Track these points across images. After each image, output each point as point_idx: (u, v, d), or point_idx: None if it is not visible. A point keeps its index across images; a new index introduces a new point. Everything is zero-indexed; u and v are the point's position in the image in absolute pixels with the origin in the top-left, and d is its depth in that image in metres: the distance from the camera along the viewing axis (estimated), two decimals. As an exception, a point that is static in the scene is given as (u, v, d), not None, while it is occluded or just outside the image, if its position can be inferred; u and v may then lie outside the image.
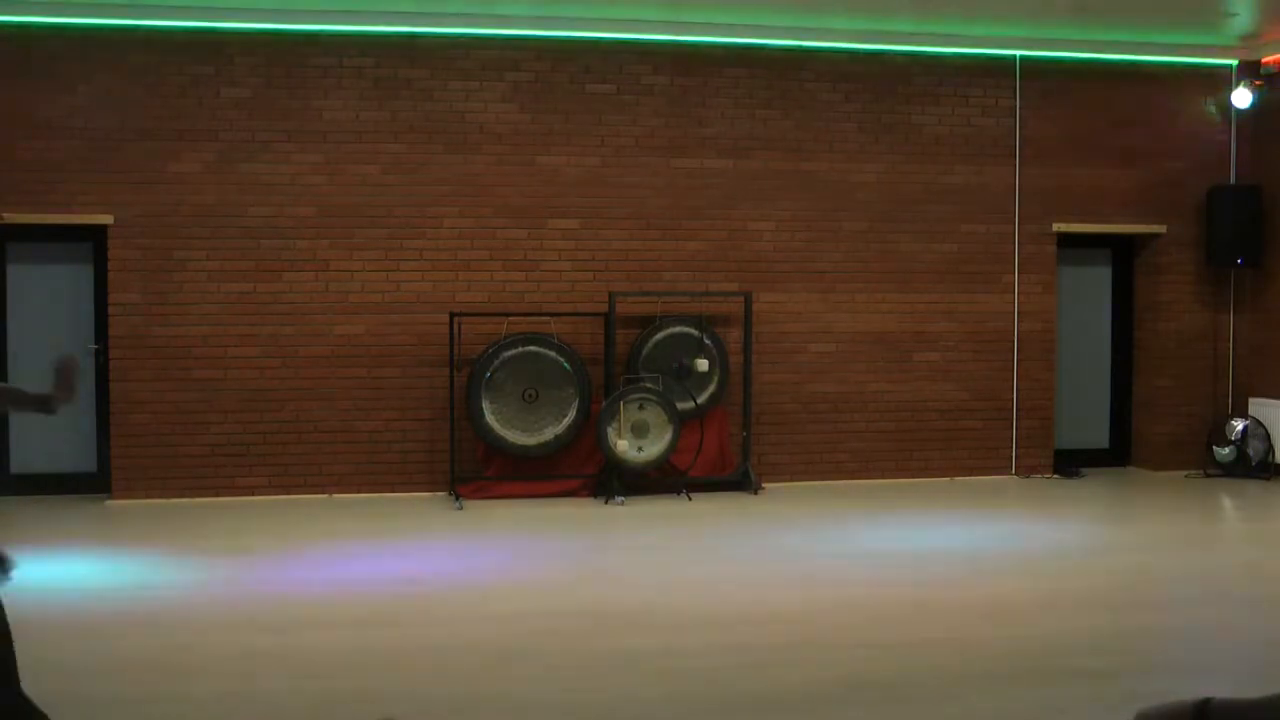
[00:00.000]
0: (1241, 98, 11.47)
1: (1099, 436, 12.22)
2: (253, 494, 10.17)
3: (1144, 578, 7.67)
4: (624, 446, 10.12)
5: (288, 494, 10.22)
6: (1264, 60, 11.45)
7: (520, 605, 6.83)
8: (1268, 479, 11.19)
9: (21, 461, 10.27)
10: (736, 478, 10.60)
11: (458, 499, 9.93)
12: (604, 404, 10.17)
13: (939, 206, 11.22)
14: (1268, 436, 11.35)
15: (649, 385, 10.27)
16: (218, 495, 10.08)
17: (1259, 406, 11.50)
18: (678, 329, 10.52)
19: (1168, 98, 11.64)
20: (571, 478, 10.34)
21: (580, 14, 10.31)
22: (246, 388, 10.15)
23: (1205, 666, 5.83)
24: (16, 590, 6.85)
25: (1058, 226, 11.45)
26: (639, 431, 10.27)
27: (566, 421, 10.28)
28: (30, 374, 10.21)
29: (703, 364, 10.47)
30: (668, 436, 10.26)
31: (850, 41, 10.92)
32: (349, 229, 10.30)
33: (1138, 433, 12.07)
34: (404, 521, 9.34)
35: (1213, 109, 11.66)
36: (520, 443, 10.24)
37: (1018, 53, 11.27)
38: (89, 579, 7.50)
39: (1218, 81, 11.64)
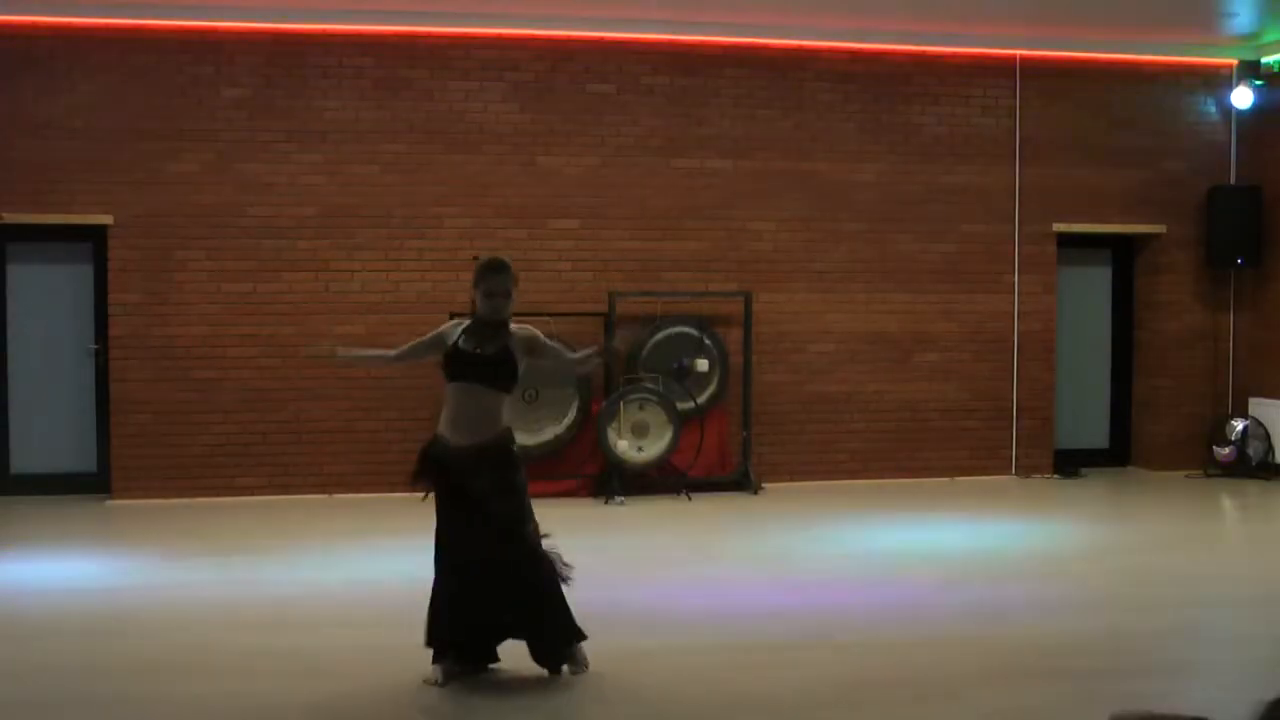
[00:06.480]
0: (1241, 98, 11.46)
1: (1099, 436, 12.21)
2: (253, 494, 10.17)
3: (1143, 578, 7.66)
4: (624, 446, 10.13)
5: (288, 494, 10.22)
6: (1264, 60, 11.44)
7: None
8: (1268, 479, 11.19)
9: (21, 461, 10.26)
10: (736, 478, 10.60)
11: (458, 499, 9.92)
12: (604, 404, 10.17)
13: (939, 206, 11.21)
14: (1268, 436, 11.35)
15: (649, 385, 10.28)
16: (218, 495, 10.07)
17: (1259, 406, 11.50)
18: (678, 329, 10.52)
19: (1168, 98, 11.64)
20: (571, 478, 10.33)
21: (580, 14, 10.31)
22: (246, 388, 10.15)
23: (1204, 667, 5.83)
24: (17, 590, 6.82)
25: (1058, 227, 11.44)
26: (639, 431, 10.27)
27: (566, 421, 10.28)
28: (30, 374, 10.24)
29: (703, 364, 10.47)
30: (668, 436, 10.26)
31: (850, 41, 10.92)
32: (349, 229, 10.30)
33: (1138, 433, 12.07)
34: (404, 521, 9.32)
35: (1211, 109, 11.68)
36: (520, 443, 10.21)
37: (1018, 53, 11.27)
38: (89, 579, 7.49)
39: (1218, 81, 11.65)
